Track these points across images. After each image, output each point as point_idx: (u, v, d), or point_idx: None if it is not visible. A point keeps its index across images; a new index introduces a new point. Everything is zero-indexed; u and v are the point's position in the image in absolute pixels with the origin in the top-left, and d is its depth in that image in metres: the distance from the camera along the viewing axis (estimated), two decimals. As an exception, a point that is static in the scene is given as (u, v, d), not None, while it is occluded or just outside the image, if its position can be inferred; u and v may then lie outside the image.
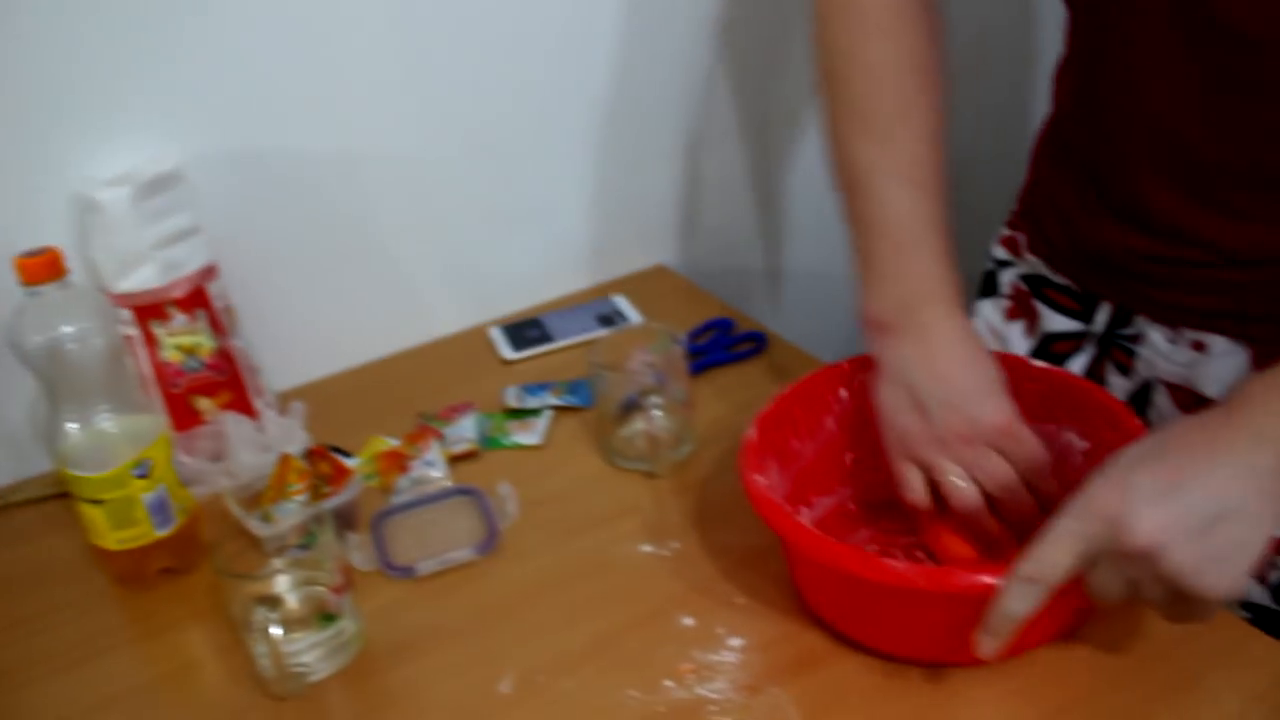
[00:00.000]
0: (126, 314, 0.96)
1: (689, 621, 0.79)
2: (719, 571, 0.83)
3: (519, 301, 1.24)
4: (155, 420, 0.87)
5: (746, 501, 0.76)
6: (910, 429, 0.78)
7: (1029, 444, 0.77)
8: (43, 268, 0.80)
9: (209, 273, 0.99)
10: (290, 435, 0.99)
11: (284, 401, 1.06)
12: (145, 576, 0.89)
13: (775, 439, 0.83)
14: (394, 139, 1.10)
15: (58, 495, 0.97)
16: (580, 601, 0.82)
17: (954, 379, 0.77)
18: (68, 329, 0.82)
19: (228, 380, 1.01)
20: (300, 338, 1.12)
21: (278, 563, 0.79)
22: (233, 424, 0.97)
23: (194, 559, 0.90)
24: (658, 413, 0.90)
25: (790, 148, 1.38)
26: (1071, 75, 0.88)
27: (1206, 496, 0.62)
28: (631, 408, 0.95)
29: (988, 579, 0.66)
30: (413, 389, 1.11)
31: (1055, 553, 0.64)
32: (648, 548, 0.86)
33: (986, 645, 0.66)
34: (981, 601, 0.66)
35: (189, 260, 0.98)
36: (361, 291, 1.15)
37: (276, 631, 0.72)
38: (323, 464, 0.91)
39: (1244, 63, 0.71)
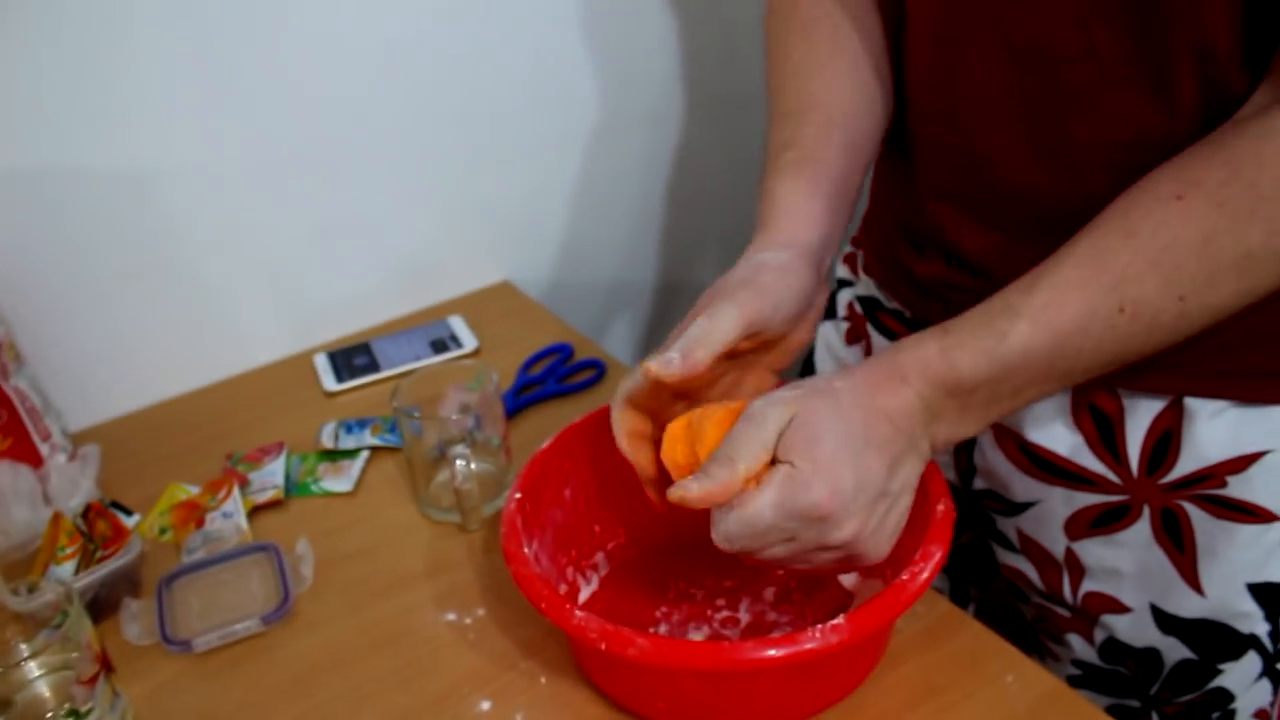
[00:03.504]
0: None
1: (486, 705, 0.73)
2: (523, 644, 0.77)
3: (348, 325, 1.16)
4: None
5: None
6: None
7: None
8: None
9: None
10: (76, 486, 0.91)
11: (79, 443, 0.98)
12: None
13: (546, 496, 0.78)
14: (197, 152, 1.01)
15: None
16: (372, 679, 0.76)
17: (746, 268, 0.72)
18: None
19: (6, 424, 0.92)
20: (97, 372, 1.03)
21: (23, 648, 0.71)
22: (7, 475, 0.89)
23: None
24: (462, 463, 0.83)
25: (648, 153, 1.32)
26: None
27: (897, 489, 0.63)
28: (446, 454, 0.88)
29: (770, 651, 0.61)
30: (224, 425, 1.03)
31: (753, 536, 0.61)
32: (451, 615, 0.80)
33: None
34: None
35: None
36: (167, 319, 1.06)
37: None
38: (100, 522, 0.84)
39: (1046, 82, 0.67)
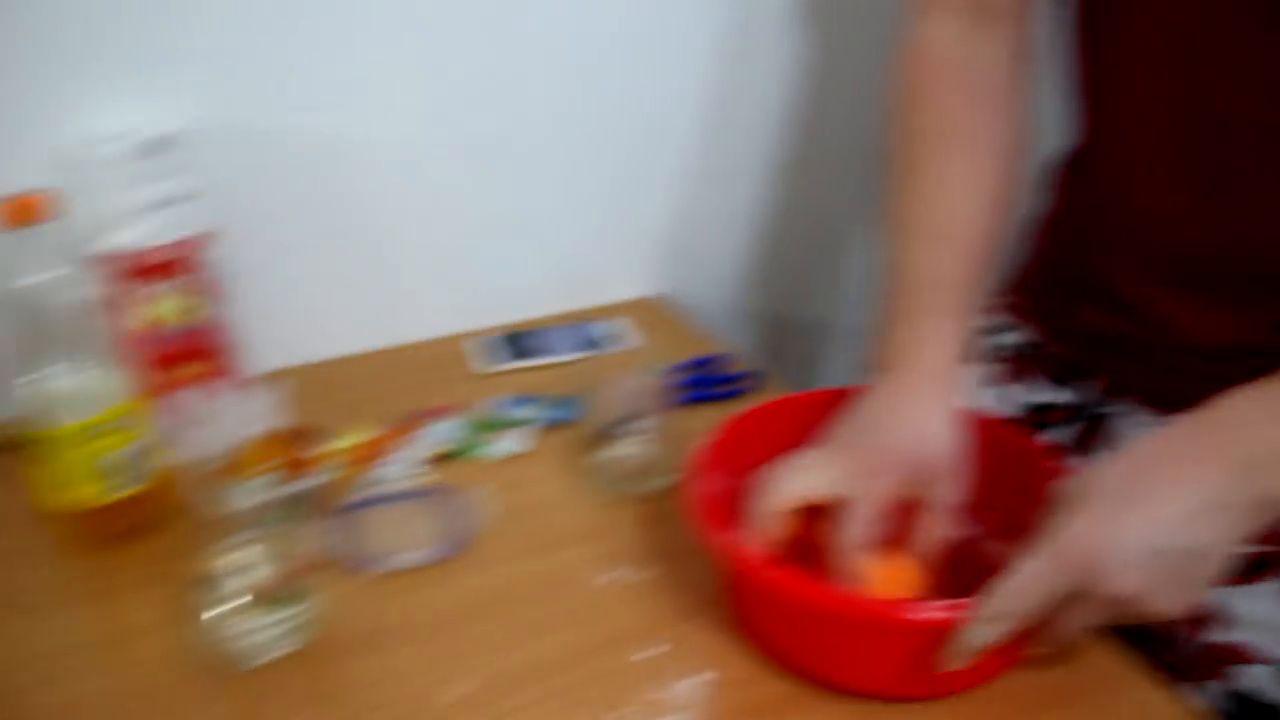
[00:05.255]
0: (109, 272, 0.94)
1: (642, 655, 0.76)
2: (682, 607, 0.81)
3: (503, 315, 1.22)
4: (125, 381, 0.84)
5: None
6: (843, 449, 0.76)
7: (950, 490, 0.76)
8: (21, 212, 0.78)
9: (200, 241, 0.97)
10: (264, 414, 0.96)
11: (261, 381, 1.04)
12: (100, 536, 0.86)
13: (718, 473, 0.81)
14: (400, 132, 1.08)
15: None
16: (536, 620, 0.80)
17: (911, 422, 0.76)
18: (43, 277, 0.79)
19: (206, 350, 0.99)
20: (284, 319, 1.09)
21: (239, 539, 0.76)
22: (207, 396, 0.95)
23: (154, 524, 0.88)
24: (637, 439, 0.88)
25: (824, 192, 1.38)
26: (1069, 171, 0.88)
27: (1185, 544, 0.62)
28: (613, 432, 0.93)
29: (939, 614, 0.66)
30: (390, 388, 1.09)
31: (1025, 595, 0.64)
32: (613, 574, 0.84)
33: (950, 665, 0.66)
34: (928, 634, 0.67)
35: (181, 225, 0.95)
36: (350, 281, 1.13)
37: (222, 608, 0.70)
38: (292, 447, 0.89)
39: (1237, 150, 0.71)
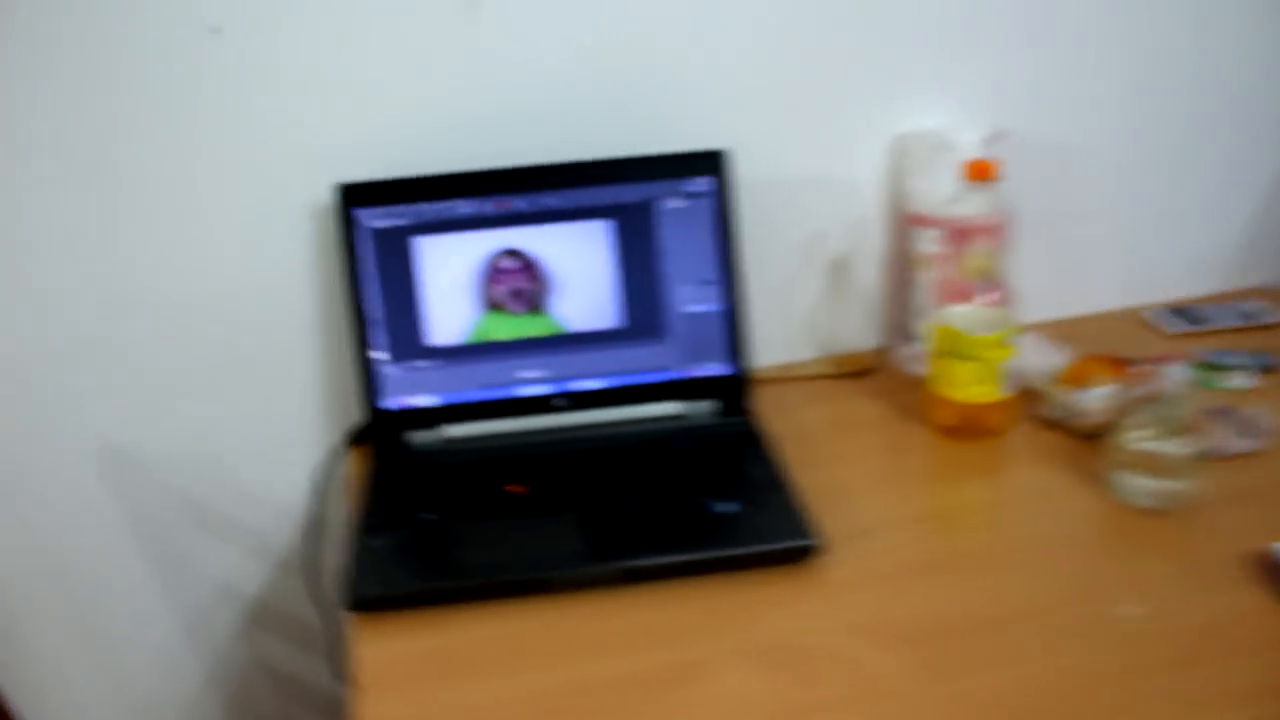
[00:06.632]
0: (945, 231, 1.24)
1: None
2: None
3: (1151, 295, 1.49)
4: (1007, 311, 1.14)
5: None
6: None
7: None
8: (981, 172, 1.09)
9: (1005, 214, 1.27)
10: (1049, 349, 1.25)
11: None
12: (977, 428, 1.16)
13: None
14: (1097, 138, 1.38)
15: (826, 375, 1.29)
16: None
17: None
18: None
19: (1002, 300, 1.28)
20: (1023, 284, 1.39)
21: (1135, 425, 1.04)
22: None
23: (1004, 426, 1.16)
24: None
25: None
26: None
27: None
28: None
29: None
30: (1106, 340, 1.35)
31: None
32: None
33: None
34: None
35: (991, 204, 1.25)
36: (1049, 259, 1.42)
37: (1133, 474, 1.01)
38: (1113, 366, 1.17)
39: None
